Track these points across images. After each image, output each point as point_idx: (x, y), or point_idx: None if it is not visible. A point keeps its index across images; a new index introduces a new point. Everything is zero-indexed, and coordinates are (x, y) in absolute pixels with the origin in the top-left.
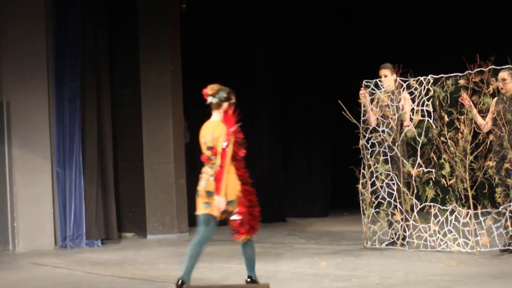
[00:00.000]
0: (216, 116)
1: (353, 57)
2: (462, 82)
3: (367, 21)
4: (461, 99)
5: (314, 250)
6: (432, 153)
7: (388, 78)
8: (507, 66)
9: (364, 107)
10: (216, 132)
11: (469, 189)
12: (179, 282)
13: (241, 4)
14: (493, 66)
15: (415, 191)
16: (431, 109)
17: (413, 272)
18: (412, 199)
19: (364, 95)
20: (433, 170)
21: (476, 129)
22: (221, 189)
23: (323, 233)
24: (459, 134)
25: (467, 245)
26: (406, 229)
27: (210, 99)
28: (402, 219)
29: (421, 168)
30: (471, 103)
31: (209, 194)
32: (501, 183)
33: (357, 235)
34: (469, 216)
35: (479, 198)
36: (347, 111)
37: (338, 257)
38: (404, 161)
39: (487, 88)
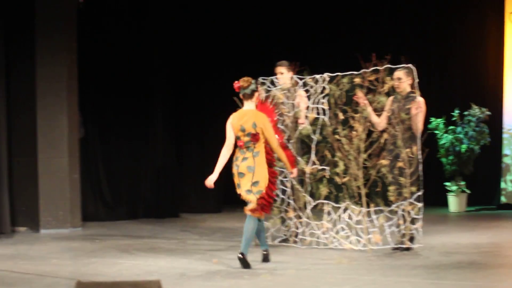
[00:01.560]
0: (250, 105)
1: (249, 54)
2: (357, 80)
3: (263, 18)
4: (356, 97)
5: (206, 246)
6: (326, 151)
7: (284, 75)
8: (402, 65)
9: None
10: (259, 120)
11: (362, 187)
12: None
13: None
14: (389, 65)
15: (309, 188)
16: (326, 107)
17: (305, 270)
18: (305, 196)
19: (260, 93)
20: (327, 168)
21: (370, 128)
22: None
23: (215, 229)
24: (353, 132)
25: (360, 243)
26: (299, 226)
27: (244, 91)
28: (295, 216)
29: (315, 166)
30: (366, 101)
31: (241, 175)
32: (394, 181)
33: None
34: (362, 214)
35: (372, 196)
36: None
37: (230, 254)
38: (298, 158)
39: (382, 86)
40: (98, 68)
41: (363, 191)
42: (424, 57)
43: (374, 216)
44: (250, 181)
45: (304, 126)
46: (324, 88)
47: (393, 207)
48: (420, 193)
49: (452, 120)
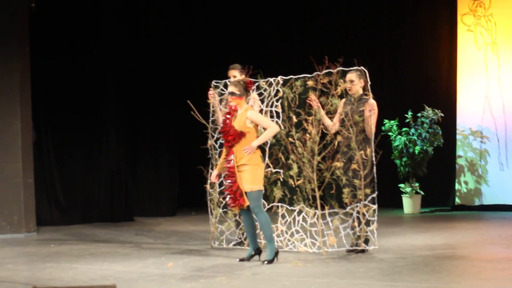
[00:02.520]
0: None
1: (203, 57)
2: (310, 83)
3: (217, 21)
4: (309, 100)
5: (161, 250)
6: (280, 154)
7: (237, 78)
8: (354, 67)
9: (213, 107)
10: None
11: (316, 189)
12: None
13: (87, 2)
14: (341, 68)
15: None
16: (279, 110)
17: (260, 273)
18: None
19: (213, 96)
20: (281, 171)
21: (324, 130)
22: None
23: (170, 233)
24: (307, 135)
25: (315, 246)
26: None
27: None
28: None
29: (269, 169)
30: (319, 104)
31: None
32: (348, 183)
33: (205, 234)
34: (316, 216)
35: (326, 199)
36: (196, 111)
37: (185, 257)
38: None
39: (335, 89)
40: (50, 72)
41: (318, 194)
42: (377, 59)
43: (329, 219)
44: None
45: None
46: (277, 91)
47: (348, 209)
48: (374, 195)
49: (406, 122)
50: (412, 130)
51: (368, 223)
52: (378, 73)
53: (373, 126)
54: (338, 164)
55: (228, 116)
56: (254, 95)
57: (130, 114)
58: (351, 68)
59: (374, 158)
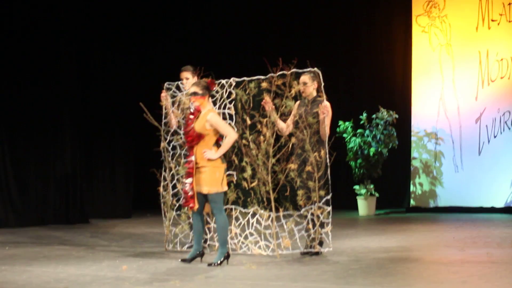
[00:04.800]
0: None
1: (155, 60)
2: (264, 85)
3: (170, 23)
4: (264, 102)
5: (116, 252)
6: (233, 156)
7: (190, 80)
8: (308, 69)
9: (165, 109)
10: None
11: (271, 191)
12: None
13: None
14: (295, 70)
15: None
16: (232, 112)
17: (214, 276)
18: None
19: (165, 98)
20: (234, 173)
21: (277, 132)
22: None
23: (125, 235)
24: (261, 137)
25: (269, 248)
26: (207, 232)
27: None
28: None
29: None
30: (272, 106)
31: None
32: (303, 185)
33: (160, 237)
34: (270, 219)
35: (281, 201)
36: (148, 114)
37: (139, 260)
38: None
39: (289, 91)
40: (4, 71)
41: (272, 196)
42: (331, 60)
43: (283, 221)
44: None
45: None
46: (230, 93)
47: (302, 211)
48: (328, 197)
49: (360, 123)
50: (367, 132)
51: (322, 225)
52: (333, 75)
53: (327, 127)
54: (293, 166)
55: (191, 116)
56: None
57: (84, 116)
58: (305, 70)
59: (328, 160)
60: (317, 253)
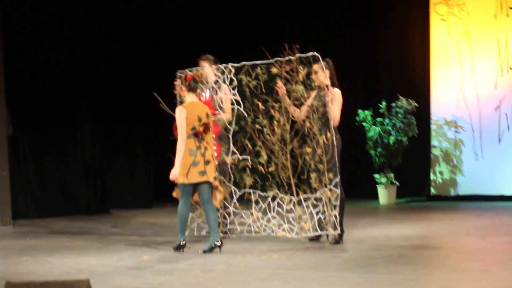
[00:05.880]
0: (195, 98)
1: (171, 48)
2: (275, 70)
3: (183, 12)
4: (277, 87)
5: (137, 242)
6: (246, 141)
7: (207, 69)
8: (310, 53)
9: (179, 97)
10: (209, 111)
11: (291, 176)
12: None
13: None
14: (299, 55)
15: (233, 178)
16: (238, 98)
17: (235, 265)
18: (230, 186)
19: (178, 86)
20: (248, 157)
21: (292, 118)
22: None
23: (146, 225)
24: (275, 122)
25: (293, 231)
26: (227, 216)
27: (194, 84)
28: (221, 207)
29: (235, 156)
30: (285, 91)
31: (207, 162)
32: (315, 168)
33: None
34: (292, 202)
35: (298, 185)
36: (162, 103)
37: (160, 250)
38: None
39: (296, 76)
40: (24, 63)
41: (293, 181)
42: (350, 49)
43: (304, 204)
44: (214, 168)
45: (219, 117)
46: (232, 79)
47: (318, 194)
48: (337, 179)
49: (380, 112)
50: (387, 120)
51: (333, 208)
52: (352, 64)
53: (338, 113)
54: (309, 149)
55: None
56: (224, 86)
57: (104, 107)
58: (308, 54)
59: (335, 143)
60: (333, 237)
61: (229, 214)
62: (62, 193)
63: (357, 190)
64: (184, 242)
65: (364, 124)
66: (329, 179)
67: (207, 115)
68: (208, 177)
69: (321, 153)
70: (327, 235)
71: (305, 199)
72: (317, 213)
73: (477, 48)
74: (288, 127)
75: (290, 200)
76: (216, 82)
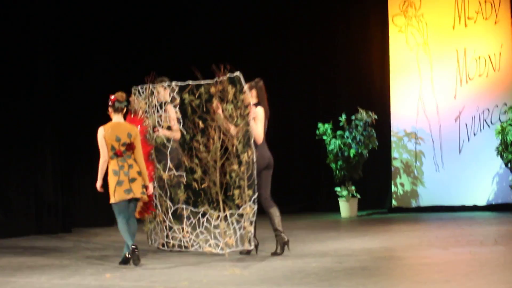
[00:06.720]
0: (120, 118)
1: (129, 62)
2: (213, 90)
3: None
4: (215, 107)
5: (99, 261)
6: (184, 158)
7: (161, 92)
8: (235, 74)
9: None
10: (133, 131)
11: (219, 192)
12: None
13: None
14: (229, 75)
15: (168, 193)
16: (179, 116)
17: (198, 281)
18: (166, 201)
19: (133, 101)
20: (184, 174)
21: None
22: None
23: (108, 243)
24: (211, 140)
25: (218, 247)
26: (164, 230)
27: (118, 105)
28: (160, 221)
29: (171, 172)
30: (220, 110)
31: (132, 180)
32: (239, 185)
33: (143, 244)
34: (219, 218)
35: (226, 201)
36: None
37: (123, 268)
38: (157, 165)
39: (227, 95)
40: None
41: (221, 197)
42: (308, 62)
43: (229, 220)
44: (141, 184)
45: (158, 134)
46: (173, 97)
47: (241, 210)
48: (255, 196)
49: (340, 125)
50: (347, 133)
51: (251, 223)
52: (311, 77)
53: (261, 131)
54: (235, 167)
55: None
56: (169, 105)
57: (65, 126)
58: (233, 74)
59: (254, 160)
60: (248, 252)
61: (166, 227)
62: (24, 213)
63: (318, 204)
64: (135, 250)
65: (324, 137)
66: (249, 195)
67: (129, 135)
68: (134, 194)
69: (243, 170)
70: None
71: (231, 215)
72: (239, 229)
73: (436, 59)
74: (219, 144)
75: (218, 216)
76: (166, 102)
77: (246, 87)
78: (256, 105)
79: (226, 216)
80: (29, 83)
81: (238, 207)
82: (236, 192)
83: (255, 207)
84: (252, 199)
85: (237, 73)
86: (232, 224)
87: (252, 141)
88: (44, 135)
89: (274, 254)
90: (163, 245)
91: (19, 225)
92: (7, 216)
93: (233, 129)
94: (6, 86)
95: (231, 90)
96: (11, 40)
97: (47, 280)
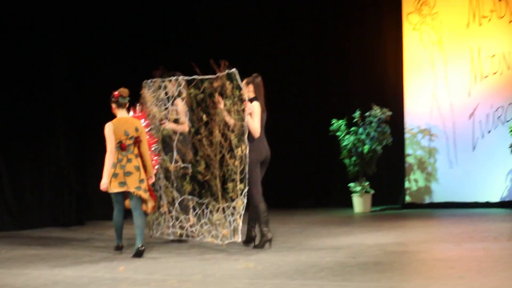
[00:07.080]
0: (125, 113)
1: (143, 56)
2: (216, 84)
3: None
4: (217, 101)
5: (112, 253)
6: (188, 150)
7: (169, 88)
8: (232, 70)
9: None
10: (139, 125)
11: (219, 185)
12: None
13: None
14: (227, 71)
15: (175, 184)
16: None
17: (211, 275)
18: (172, 192)
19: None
20: (189, 165)
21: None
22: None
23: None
24: (213, 133)
25: (219, 237)
26: (170, 220)
27: (122, 100)
28: (165, 212)
29: (177, 164)
30: (222, 105)
31: (127, 174)
32: (233, 179)
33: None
34: (217, 210)
35: (223, 193)
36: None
37: (136, 260)
38: (164, 157)
39: (226, 91)
40: None
41: (219, 189)
42: (323, 58)
43: (226, 212)
44: (138, 179)
45: (164, 126)
46: (180, 91)
47: (234, 203)
48: (246, 189)
49: (354, 121)
50: (361, 130)
51: (240, 216)
52: (326, 74)
53: (257, 125)
54: (231, 160)
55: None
56: (178, 100)
57: (77, 118)
58: (230, 71)
59: (247, 154)
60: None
61: (172, 217)
62: (38, 205)
63: (332, 199)
64: (121, 244)
65: (338, 133)
66: (241, 189)
67: (136, 129)
68: (128, 188)
69: (236, 164)
70: (254, 239)
71: (227, 207)
72: (233, 221)
73: (450, 57)
74: (218, 138)
75: (218, 208)
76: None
77: (243, 82)
78: (252, 100)
79: (224, 208)
80: (43, 78)
81: (232, 200)
82: (230, 185)
83: (245, 201)
84: (243, 193)
85: (233, 70)
86: (228, 216)
87: (246, 136)
88: (58, 127)
89: (255, 247)
90: (167, 235)
91: (33, 217)
92: (21, 208)
93: (232, 123)
94: (22, 80)
95: (229, 86)
96: (26, 35)
97: (60, 272)
